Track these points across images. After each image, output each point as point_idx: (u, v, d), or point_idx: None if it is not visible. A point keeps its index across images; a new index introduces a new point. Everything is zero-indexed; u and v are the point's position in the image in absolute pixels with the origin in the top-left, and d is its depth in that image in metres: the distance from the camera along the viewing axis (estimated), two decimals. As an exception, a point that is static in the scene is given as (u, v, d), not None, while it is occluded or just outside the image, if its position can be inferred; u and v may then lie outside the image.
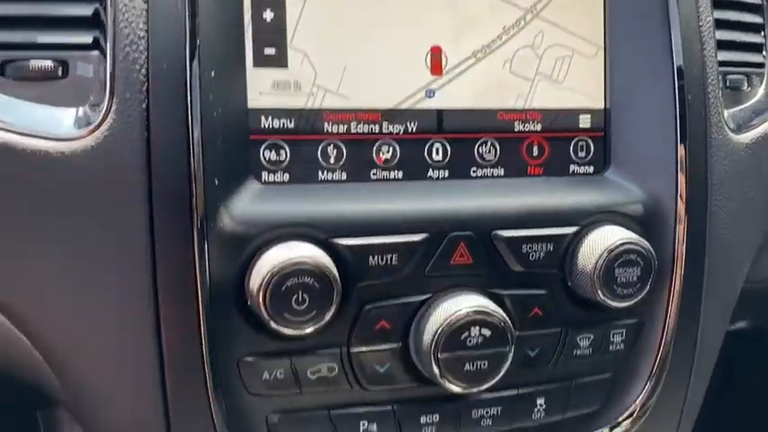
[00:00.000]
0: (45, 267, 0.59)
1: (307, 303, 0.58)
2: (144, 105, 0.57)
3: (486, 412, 0.68)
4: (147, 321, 0.59)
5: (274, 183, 0.64)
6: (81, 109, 0.59)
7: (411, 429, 0.66)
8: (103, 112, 0.57)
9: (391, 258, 0.62)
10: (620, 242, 0.65)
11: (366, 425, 0.65)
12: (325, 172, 0.65)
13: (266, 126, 0.63)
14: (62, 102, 0.59)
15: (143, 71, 0.58)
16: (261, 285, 0.57)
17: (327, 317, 0.59)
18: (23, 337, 0.62)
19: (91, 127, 0.57)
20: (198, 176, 0.58)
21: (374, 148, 0.66)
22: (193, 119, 0.58)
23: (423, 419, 0.66)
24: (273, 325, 0.58)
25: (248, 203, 0.60)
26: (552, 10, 0.70)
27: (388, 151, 0.67)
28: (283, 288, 0.57)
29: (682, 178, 0.70)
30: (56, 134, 0.58)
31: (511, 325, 0.64)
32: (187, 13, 0.58)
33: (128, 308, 0.59)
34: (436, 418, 0.67)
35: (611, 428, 0.72)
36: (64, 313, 0.60)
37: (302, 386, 0.63)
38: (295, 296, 0.58)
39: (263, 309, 0.57)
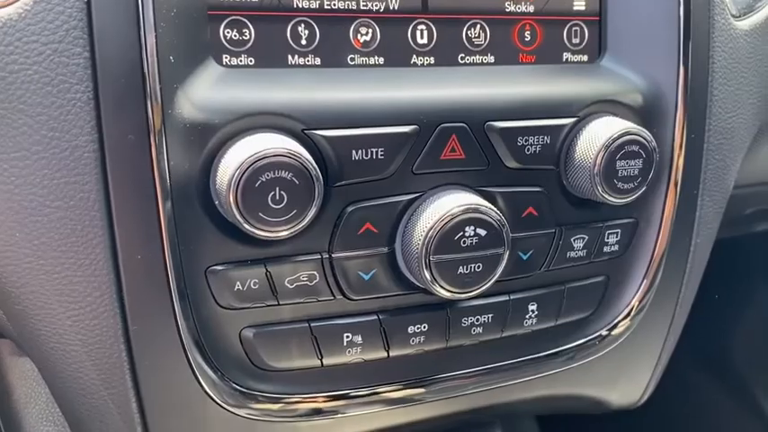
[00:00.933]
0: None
1: (285, 202, 0.51)
2: (80, -38, 0.47)
3: (477, 320, 0.63)
4: (99, 226, 0.51)
5: (237, 66, 0.55)
6: (0, -30, 0.48)
7: (398, 340, 0.61)
8: (29, -28, 0.47)
9: (376, 153, 0.55)
10: (621, 132, 0.60)
11: (350, 337, 0.59)
12: (296, 56, 0.57)
13: (226, -1, 0.54)
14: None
15: None
16: (231, 181, 0.49)
17: (308, 218, 0.52)
18: None
19: None
20: (150, 51, 0.48)
21: (351, 29, 0.58)
22: None
23: (410, 329, 0.61)
24: (246, 227, 0.50)
25: (209, 88, 0.52)
26: None
27: (366, 33, 0.59)
28: (257, 184, 0.50)
29: (683, 65, 0.65)
30: (-31, 1, 0.47)
31: (507, 224, 0.58)
32: None
33: (76, 210, 0.50)
34: (425, 327, 0.61)
35: (609, 329, 0.69)
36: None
37: (279, 297, 0.56)
38: (272, 193, 0.50)
39: (234, 208, 0.50)
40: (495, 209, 0.58)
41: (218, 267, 0.54)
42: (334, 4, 0.57)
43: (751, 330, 1.78)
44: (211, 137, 0.51)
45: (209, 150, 0.51)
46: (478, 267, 0.58)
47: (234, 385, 0.57)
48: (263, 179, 0.50)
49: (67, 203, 0.50)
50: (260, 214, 0.50)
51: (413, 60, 0.60)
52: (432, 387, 0.65)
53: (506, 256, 0.59)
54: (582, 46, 0.66)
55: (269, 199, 0.50)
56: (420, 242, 0.56)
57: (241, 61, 0.55)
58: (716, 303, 1.78)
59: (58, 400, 0.62)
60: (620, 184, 0.61)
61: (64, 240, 0.51)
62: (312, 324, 0.58)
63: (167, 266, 0.52)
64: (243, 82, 0.53)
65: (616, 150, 0.60)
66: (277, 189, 0.50)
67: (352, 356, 0.60)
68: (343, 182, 0.55)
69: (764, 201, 1.05)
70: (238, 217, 0.50)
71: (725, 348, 1.80)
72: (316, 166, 0.51)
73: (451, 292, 0.58)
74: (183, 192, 0.51)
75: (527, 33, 0.64)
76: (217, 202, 0.52)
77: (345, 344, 0.59)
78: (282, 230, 0.51)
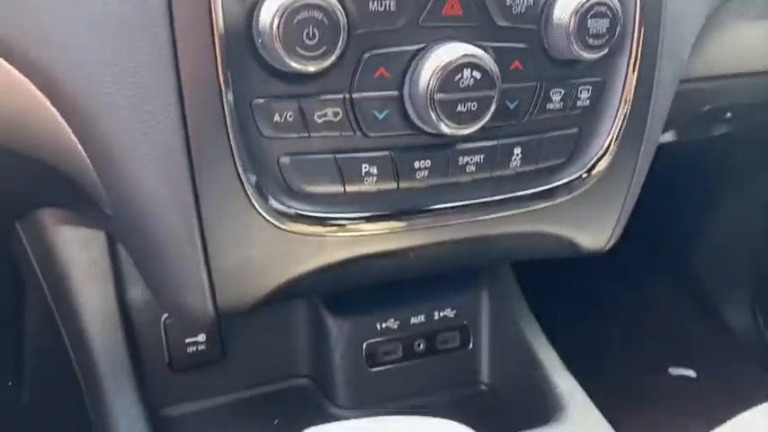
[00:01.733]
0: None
1: (317, 38, 0.62)
2: None
3: (471, 159, 0.75)
4: (166, 58, 0.62)
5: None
6: None
7: (406, 173, 0.73)
8: None
9: (389, 5, 0.66)
10: (591, -4, 0.72)
11: (367, 168, 0.71)
12: None
13: None
14: None
15: None
16: (273, 19, 0.60)
17: (336, 53, 0.63)
18: (44, 97, 0.64)
19: None
20: None
21: None
22: None
23: (416, 164, 0.73)
24: (286, 59, 0.62)
25: None
26: None
27: None
28: (295, 21, 0.61)
29: None
30: None
31: (498, 72, 0.70)
32: None
33: (146, 52, 0.61)
34: (428, 163, 0.74)
35: (580, 175, 0.81)
36: (84, 71, 0.62)
37: (310, 129, 0.68)
38: (306, 30, 0.61)
39: (276, 42, 0.61)
40: (488, 56, 0.69)
41: (260, 100, 0.65)
42: None
43: (711, 237, 1.93)
44: None
45: None
46: (474, 106, 0.69)
47: (274, 203, 0.69)
48: (299, 18, 0.61)
49: (142, 46, 0.61)
50: (297, 48, 0.61)
51: None
52: (432, 216, 0.77)
53: (497, 98, 0.71)
54: None
55: (304, 35, 0.61)
56: (426, 82, 0.68)
57: None
58: (678, 210, 1.92)
59: (121, 228, 0.74)
60: (590, 41, 0.73)
61: (137, 68, 0.62)
62: (336, 156, 0.70)
63: (222, 95, 0.63)
64: None
65: (586, 11, 0.72)
66: (310, 27, 0.61)
67: (369, 186, 0.72)
68: (362, 30, 0.66)
69: (716, 98, 1.17)
70: (279, 50, 0.61)
71: (686, 253, 1.95)
72: (341, 7, 0.62)
73: (451, 127, 0.70)
74: (233, 33, 0.62)
75: None
76: (259, 41, 0.63)
77: (363, 174, 0.71)
78: (313, 64, 0.63)
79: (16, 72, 0.65)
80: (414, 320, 1.06)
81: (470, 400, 1.08)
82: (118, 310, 0.98)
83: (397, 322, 1.05)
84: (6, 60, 0.64)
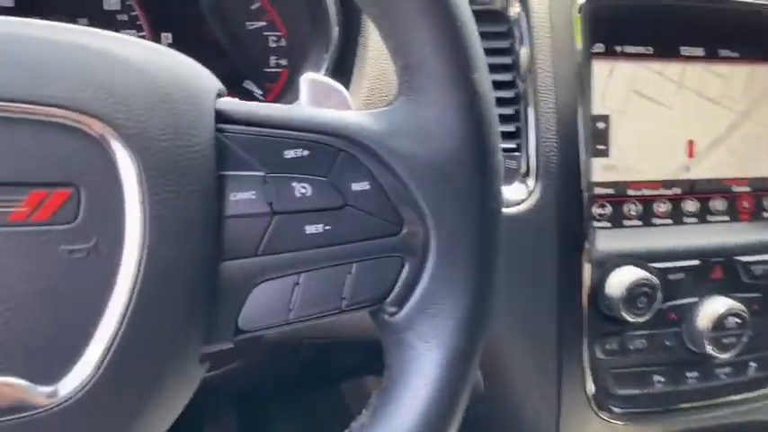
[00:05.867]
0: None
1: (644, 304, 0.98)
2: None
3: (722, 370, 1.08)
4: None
5: (602, 228, 1.03)
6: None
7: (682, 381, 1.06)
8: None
9: (684, 275, 1.03)
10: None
11: (659, 378, 1.05)
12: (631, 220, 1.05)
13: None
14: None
15: None
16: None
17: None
18: None
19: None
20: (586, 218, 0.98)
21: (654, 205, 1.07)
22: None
23: (687, 374, 1.06)
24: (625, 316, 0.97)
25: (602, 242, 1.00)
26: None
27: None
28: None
29: None
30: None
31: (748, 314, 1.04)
32: None
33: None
34: (695, 374, 1.07)
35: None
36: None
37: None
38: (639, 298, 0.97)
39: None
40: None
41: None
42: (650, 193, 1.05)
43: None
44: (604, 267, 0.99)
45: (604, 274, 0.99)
46: (733, 340, 1.03)
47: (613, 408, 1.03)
48: (636, 292, 0.97)
49: None
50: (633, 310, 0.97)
51: (684, 220, 1.08)
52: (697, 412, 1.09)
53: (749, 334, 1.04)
54: None
55: (638, 302, 0.97)
56: (704, 325, 1.02)
57: (604, 224, 1.03)
58: None
59: None
60: None
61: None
62: (649, 368, 1.04)
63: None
64: (612, 237, 1.01)
65: None
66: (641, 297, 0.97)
67: (658, 388, 1.06)
68: (666, 296, 1.02)
69: None
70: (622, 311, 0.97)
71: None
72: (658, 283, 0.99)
73: (717, 353, 1.03)
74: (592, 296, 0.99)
75: (745, 203, 1.11)
76: (606, 302, 0.99)
77: (655, 381, 1.05)
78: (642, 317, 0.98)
79: None
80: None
81: None
82: None
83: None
84: None
